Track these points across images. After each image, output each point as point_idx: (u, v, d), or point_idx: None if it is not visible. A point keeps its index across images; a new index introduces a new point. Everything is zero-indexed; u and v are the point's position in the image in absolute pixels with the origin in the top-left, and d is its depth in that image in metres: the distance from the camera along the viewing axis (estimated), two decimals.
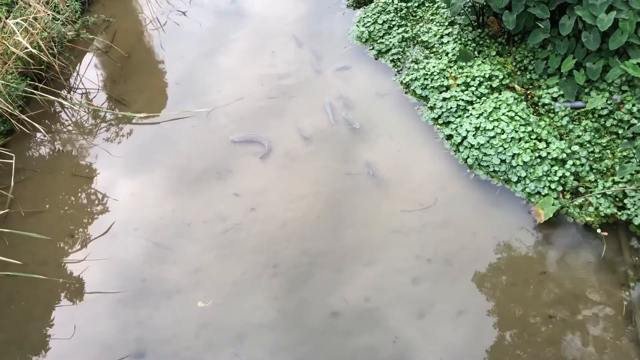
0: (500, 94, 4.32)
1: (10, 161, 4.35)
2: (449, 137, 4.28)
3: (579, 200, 3.73)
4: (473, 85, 4.37)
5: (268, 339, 3.40)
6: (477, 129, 4.10)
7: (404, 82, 4.76)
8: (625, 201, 3.64)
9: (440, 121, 4.39)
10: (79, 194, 4.33)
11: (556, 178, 3.76)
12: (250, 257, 3.79)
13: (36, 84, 4.94)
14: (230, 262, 3.78)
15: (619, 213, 3.64)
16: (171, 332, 3.49)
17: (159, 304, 3.62)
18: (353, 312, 3.46)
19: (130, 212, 4.16)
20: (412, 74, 4.72)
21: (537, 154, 3.84)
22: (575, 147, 3.87)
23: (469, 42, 4.72)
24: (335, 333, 3.39)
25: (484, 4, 4.51)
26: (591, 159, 3.90)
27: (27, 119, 4.65)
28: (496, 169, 3.96)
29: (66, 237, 4.04)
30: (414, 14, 5.30)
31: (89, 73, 5.41)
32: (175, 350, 3.42)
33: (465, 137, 4.13)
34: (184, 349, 3.42)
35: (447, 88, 4.48)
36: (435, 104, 4.43)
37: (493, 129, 4.02)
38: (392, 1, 5.30)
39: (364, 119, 4.55)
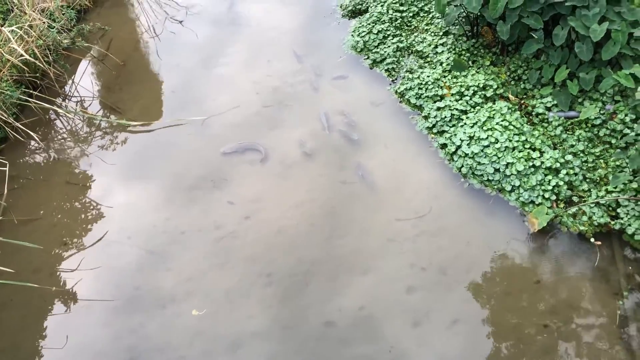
0: (494, 103, 4.33)
1: (4, 169, 4.32)
2: (443, 146, 4.28)
3: (573, 210, 3.74)
4: (467, 95, 4.39)
5: (262, 348, 3.38)
6: (471, 138, 4.10)
7: (399, 91, 4.77)
8: (619, 210, 3.64)
9: (434, 130, 4.40)
10: (73, 202, 4.30)
11: (550, 187, 3.77)
12: (244, 265, 3.77)
13: (31, 91, 4.92)
14: (224, 271, 3.76)
15: (612, 222, 3.64)
16: (164, 340, 3.46)
17: (152, 313, 3.59)
18: (348, 320, 3.44)
19: (124, 220, 4.13)
20: (406, 84, 4.73)
21: (530, 163, 3.85)
22: (569, 157, 3.88)
23: (463, 52, 4.74)
24: (330, 342, 3.36)
25: (478, 14, 4.54)
26: (584, 168, 3.91)
27: (22, 127, 4.63)
28: (490, 178, 3.96)
29: (59, 245, 4.01)
30: (408, 24, 5.32)
31: (84, 81, 5.40)
32: (169, 359, 3.39)
33: (459, 146, 4.14)
34: (178, 358, 3.39)
35: (442, 97, 4.49)
36: (429, 113, 4.44)
37: (487, 138, 4.03)
38: (387, 11, 5.33)
39: (359, 128, 4.55)
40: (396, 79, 4.95)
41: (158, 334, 3.49)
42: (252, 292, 3.63)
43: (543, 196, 3.78)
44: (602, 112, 4.03)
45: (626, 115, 3.93)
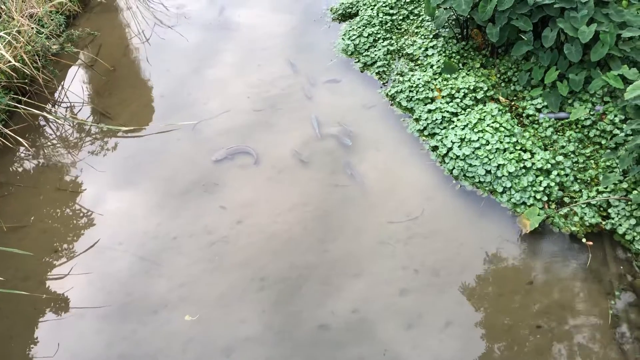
0: (484, 105, 4.35)
1: None
2: (435, 148, 4.30)
3: (564, 210, 3.76)
4: (458, 97, 4.41)
5: (256, 353, 3.36)
6: (462, 140, 4.12)
7: (390, 94, 4.78)
8: (610, 210, 3.67)
9: (425, 133, 4.41)
10: (64, 209, 4.27)
11: (541, 188, 3.79)
12: (237, 270, 3.76)
13: (20, 97, 4.89)
14: (217, 276, 3.74)
15: (604, 222, 3.66)
16: (157, 347, 3.44)
17: (144, 319, 3.57)
18: (341, 324, 3.44)
19: (115, 226, 4.11)
20: (397, 86, 4.74)
21: (522, 165, 3.86)
22: (560, 158, 3.91)
23: (454, 55, 4.77)
24: (324, 346, 3.36)
25: (468, 16, 4.56)
26: (575, 169, 3.93)
27: (11, 133, 4.59)
28: (481, 179, 3.97)
29: (50, 252, 3.98)
30: (398, 27, 5.34)
31: (74, 87, 5.38)
32: None
33: (450, 149, 4.15)
34: None
35: (432, 100, 4.51)
36: (420, 116, 4.46)
37: (478, 140, 4.04)
38: (377, 14, 5.35)
39: (351, 132, 4.56)
40: (387, 82, 4.97)
41: (150, 340, 3.47)
42: (245, 297, 3.62)
43: (534, 197, 3.80)
44: (591, 113, 4.06)
45: (615, 115, 3.97)
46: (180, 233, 4.00)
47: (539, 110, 4.25)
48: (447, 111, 4.36)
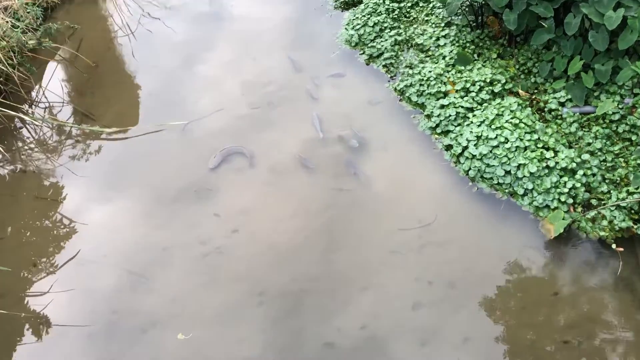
0: (502, 99, 4.35)
1: None
2: (449, 147, 4.29)
3: (591, 214, 3.75)
4: (473, 91, 4.40)
5: None
6: (478, 138, 4.11)
7: (398, 88, 4.78)
8: None
9: (438, 130, 4.41)
10: (43, 219, 4.28)
11: (566, 190, 3.78)
12: (233, 284, 3.76)
13: None
14: (211, 291, 3.74)
15: (635, 226, 3.65)
16: None
17: (132, 339, 3.56)
18: (349, 341, 3.43)
19: (99, 237, 4.12)
20: (406, 80, 4.74)
21: (544, 164, 3.86)
22: (586, 156, 3.90)
23: (468, 45, 4.76)
24: None
25: (483, 2, 4.56)
26: (603, 168, 3.92)
27: None
28: (500, 181, 3.97)
29: (28, 266, 3.99)
30: (407, 15, 5.34)
31: (53, 85, 5.39)
32: None
33: (466, 147, 4.15)
34: None
35: (445, 94, 4.50)
36: (432, 112, 4.45)
37: (496, 137, 4.04)
38: (383, 2, 5.35)
39: (356, 130, 4.56)
40: (395, 75, 4.97)
41: None
42: (242, 313, 3.61)
43: (559, 200, 3.79)
44: (620, 106, 4.05)
45: None
46: (170, 244, 4.00)
47: (562, 104, 4.24)
48: (462, 106, 4.35)
